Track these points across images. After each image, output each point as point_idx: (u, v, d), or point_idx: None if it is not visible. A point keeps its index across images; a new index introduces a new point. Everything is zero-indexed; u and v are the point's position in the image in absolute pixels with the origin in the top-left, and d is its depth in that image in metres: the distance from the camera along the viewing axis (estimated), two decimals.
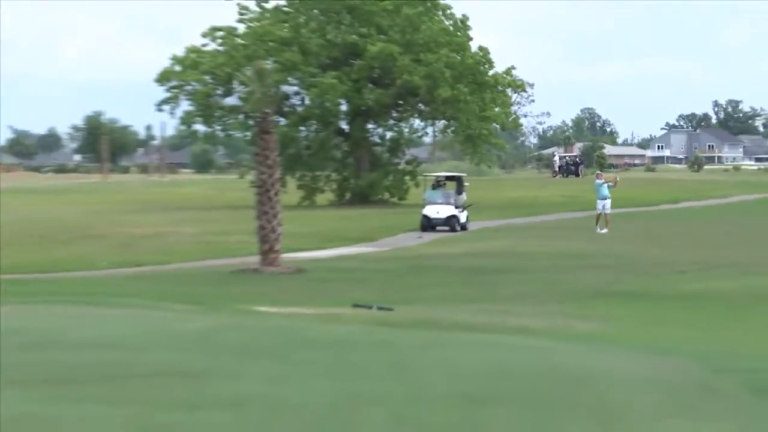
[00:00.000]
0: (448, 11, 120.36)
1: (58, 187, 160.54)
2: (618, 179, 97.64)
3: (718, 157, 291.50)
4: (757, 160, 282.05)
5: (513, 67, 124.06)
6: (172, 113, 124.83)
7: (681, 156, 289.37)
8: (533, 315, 36.30)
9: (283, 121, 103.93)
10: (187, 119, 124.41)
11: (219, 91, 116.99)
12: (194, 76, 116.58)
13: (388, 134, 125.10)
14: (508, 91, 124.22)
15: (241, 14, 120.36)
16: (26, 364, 24.19)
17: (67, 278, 49.74)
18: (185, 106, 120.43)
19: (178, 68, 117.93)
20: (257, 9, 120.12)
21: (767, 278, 49.46)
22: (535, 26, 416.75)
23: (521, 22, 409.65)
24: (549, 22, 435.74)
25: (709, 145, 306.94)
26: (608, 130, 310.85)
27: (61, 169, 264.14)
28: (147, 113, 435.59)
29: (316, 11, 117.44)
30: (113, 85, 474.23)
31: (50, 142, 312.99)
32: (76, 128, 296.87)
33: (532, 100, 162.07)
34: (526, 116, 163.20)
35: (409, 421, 19.25)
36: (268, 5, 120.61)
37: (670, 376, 23.51)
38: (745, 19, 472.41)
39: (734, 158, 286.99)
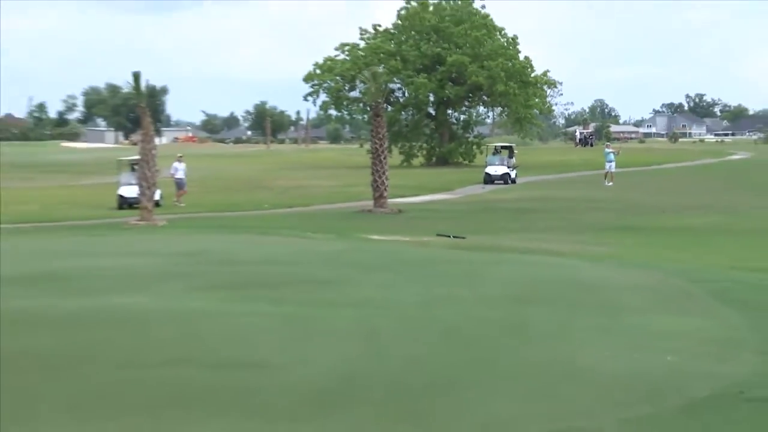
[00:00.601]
0: (503, 32, 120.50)
1: (235, 154, 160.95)
2: (620, 149, 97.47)
3: (689, 133, 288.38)
4: (716, 135, 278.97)
5: (548, 71, 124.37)
6: (313, 102, 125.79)
7: (663, 132, 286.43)
8: (560, 241, 36.17)
9: (389, 108, 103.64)
10: (324, 107, 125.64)
11: (346, 87, 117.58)
12: (329, 77, 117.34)
13: (462, 117, 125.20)
14: (545, 87, 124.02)
15: (361, 34, 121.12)
16: (203, 275, 24.45)
17: (243, 215, 49.98)
18: (323, 97, 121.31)
19: (318, 71, 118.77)
20: (372, 31, 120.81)
21: (723, 216, 49.11)
22: (565, 40, 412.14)
23: (555, 37, 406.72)
24: (575, 39, 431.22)
25: (682, 125, 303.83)
26: (613, 114, 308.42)
27: (238, 141, 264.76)
28: (296, 102, 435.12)
29: (413, 32, 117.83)
30: (273, 83, 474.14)
31: (231, 122, 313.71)
32: (248, 112, 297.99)
33: (561, 94, 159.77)
34: (556, 104, 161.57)
35: (474, 314, 19.24)
36: (380, 28, 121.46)
37: (655, 284, 23.42)
38: (709, 36, 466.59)
39: (700, 134, 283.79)
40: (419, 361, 15.20)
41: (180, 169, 59.44)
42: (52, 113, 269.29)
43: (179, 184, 58.73)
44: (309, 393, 13.22)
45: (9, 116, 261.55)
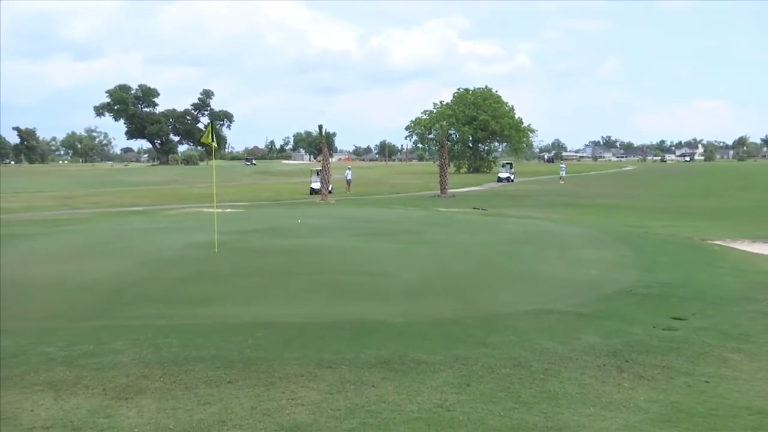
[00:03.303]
0: (507, 103, 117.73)
1: (369, 166, 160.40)
2: (567, 164, 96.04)
3: (603, 156, 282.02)
4: (617, 157, 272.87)
5: (530, 124, 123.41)
6: (410, 140, 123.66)
7: (590, 156, 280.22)
8: (535, 211, 35.74)
9: (449, 142, 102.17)
10: (416, 142, 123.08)
11: (427, 132, 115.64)
12: (418, 127, 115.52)
13: (486, 147, 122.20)
14: (528, 132, 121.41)
15: (434, 105, 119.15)
16: (353, 228, 24.39)
17: (373, 198, 49.92)
18: (415, 137, 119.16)
19: (412, 124, 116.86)
20: (440, 103, 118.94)
21: (620, 199, 48.21)
22: (539, 107, 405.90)
23: (535, 106, 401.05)
24: (544, 107, 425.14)
25: (600, 152, 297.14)
26: (563, 145, 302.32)
27: (371, 159, 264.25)
28: (401, 139, 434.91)
29: (461, 104, 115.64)
30: (389, 129, 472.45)
31: (368, 150, 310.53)
32: (376, 145, 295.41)
33: (537, 135, 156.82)
34: (534, 141, 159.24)
35: (492, 248, 19.06)
36: (444, 102, 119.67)
37: (584, 233, 23.09)
38: (614, 106, 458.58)
39: (609, 157, 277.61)
40: (463, 272, 15.20)
41: (349, 173, 60.23)
42: (277, 145, 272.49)
43: (348, 182, 59.04)
44: (406, 288, 13.35)
45: (255, 147, 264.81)
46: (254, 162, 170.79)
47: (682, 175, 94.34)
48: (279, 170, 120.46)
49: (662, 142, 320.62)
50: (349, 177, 59.89)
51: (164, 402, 7.10)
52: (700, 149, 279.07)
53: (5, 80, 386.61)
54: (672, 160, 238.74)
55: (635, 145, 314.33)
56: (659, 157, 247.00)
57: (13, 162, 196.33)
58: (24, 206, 42.29)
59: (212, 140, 19.07)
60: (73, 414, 6.80)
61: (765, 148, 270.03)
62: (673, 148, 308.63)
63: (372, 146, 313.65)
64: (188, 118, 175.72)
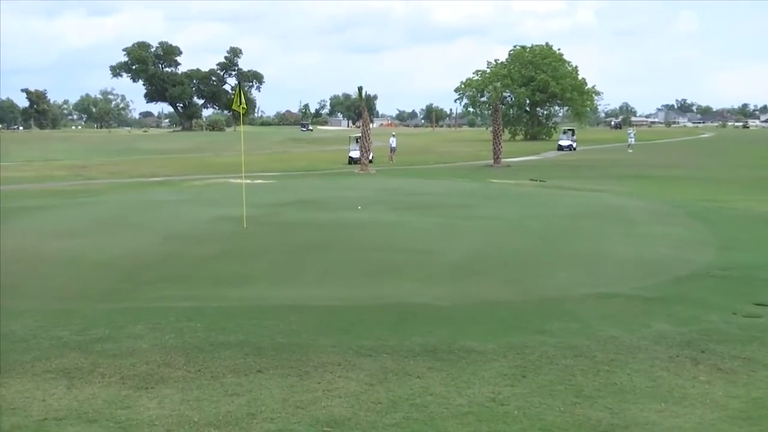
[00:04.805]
0: (570, 63, 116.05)
1: (414, 133, 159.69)
2: (636, 131, 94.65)
3: (677, 121, 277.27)
4: (693, 122, 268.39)
5: (594, 85, 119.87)
6: (460, 103, 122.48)
7: (662, 121, 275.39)
8: (599, 183, 35.32)
9: (503, 106, 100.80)
10: (466, 106, 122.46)
11: (479, 95, 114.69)
12: (469, 89, 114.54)
13: (545, 112, 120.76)
14: (593, 95, 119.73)
15: (488, 64, 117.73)
16: (396, 201, 24.40)
17: (418, 168, 49.78)
18: (465, 100, 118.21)
19: (463, 86, 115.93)
20: (494, 62, 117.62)
21: (693, 170, 47.53)
22: (605, 68, 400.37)
23: (600, 67, 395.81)
24: (611, 67, 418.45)
25: (673, 117, 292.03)
26: (632, 110, 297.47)
27: (416, 125, 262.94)
28: (449, 103, 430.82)
29: (517, 63, 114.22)
30: (437, 92, 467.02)
31: (412, 114, 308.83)
32: (422, 110, 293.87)
33: (602, 98, 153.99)
34: (599, 105, 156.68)
35: (549, 224, 18.97)
36: (499, 61, 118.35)
37: (653, 208, 22.85)
38: (690, 65, 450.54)
39: (684, 123, 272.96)
40: (516, 250, 15.13)
41: (394, 141, 60.18)
42: (312, 109, 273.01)
43: (393, 149, 59.00)
44: (453, 267, 13.38)
45: (288, 111, 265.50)
46: (311, 128, 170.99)
47: (766, 143, 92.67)
48: (314, 137, 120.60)
49: (745, 105, 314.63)
50: (393, 144, 59.85)
51: (188, 392, 7.13)
52: None
53: (13, 38, 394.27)
54: (756, 126, 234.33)
55: (714, 110, 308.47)
56: (741, 123, 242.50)
57: (21, 128, 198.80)
58: (35, 176, 42.98)
59: (240, 104, 19.23)
60: (88, 404, 6.85)
61: None
62: (757, 112, 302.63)
63: (417, 111, 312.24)
64: (214, 79, 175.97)
